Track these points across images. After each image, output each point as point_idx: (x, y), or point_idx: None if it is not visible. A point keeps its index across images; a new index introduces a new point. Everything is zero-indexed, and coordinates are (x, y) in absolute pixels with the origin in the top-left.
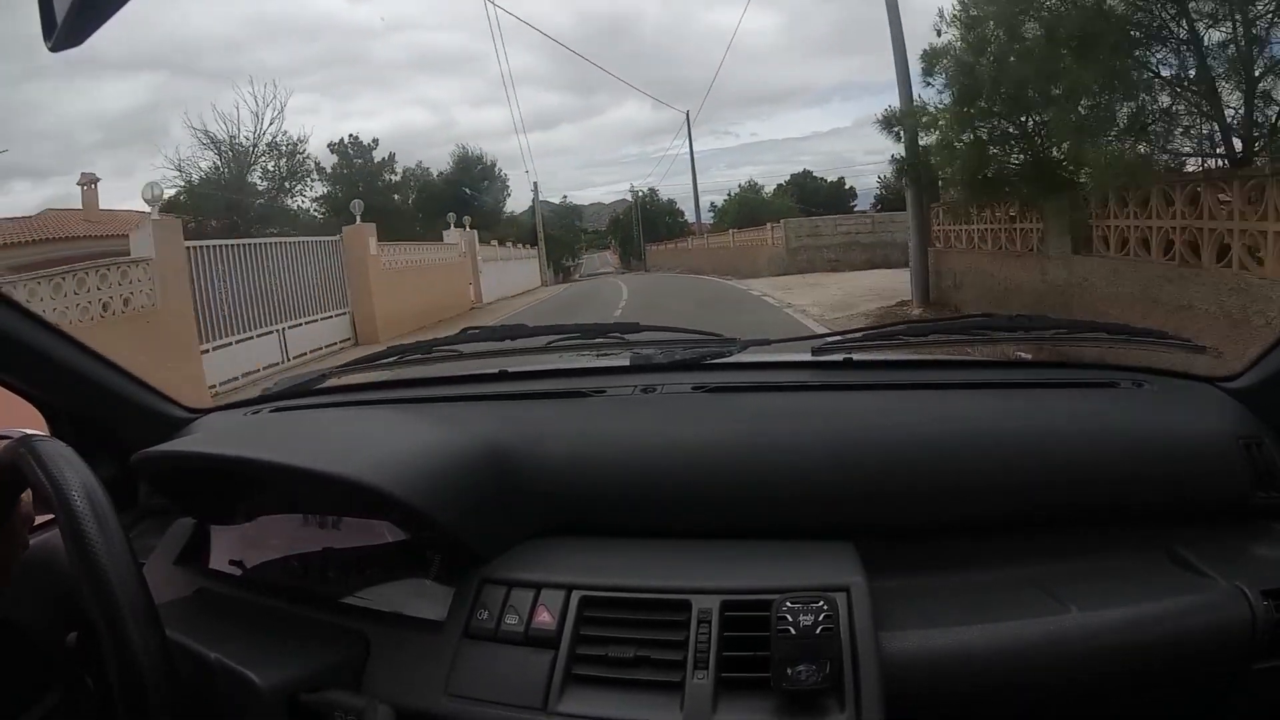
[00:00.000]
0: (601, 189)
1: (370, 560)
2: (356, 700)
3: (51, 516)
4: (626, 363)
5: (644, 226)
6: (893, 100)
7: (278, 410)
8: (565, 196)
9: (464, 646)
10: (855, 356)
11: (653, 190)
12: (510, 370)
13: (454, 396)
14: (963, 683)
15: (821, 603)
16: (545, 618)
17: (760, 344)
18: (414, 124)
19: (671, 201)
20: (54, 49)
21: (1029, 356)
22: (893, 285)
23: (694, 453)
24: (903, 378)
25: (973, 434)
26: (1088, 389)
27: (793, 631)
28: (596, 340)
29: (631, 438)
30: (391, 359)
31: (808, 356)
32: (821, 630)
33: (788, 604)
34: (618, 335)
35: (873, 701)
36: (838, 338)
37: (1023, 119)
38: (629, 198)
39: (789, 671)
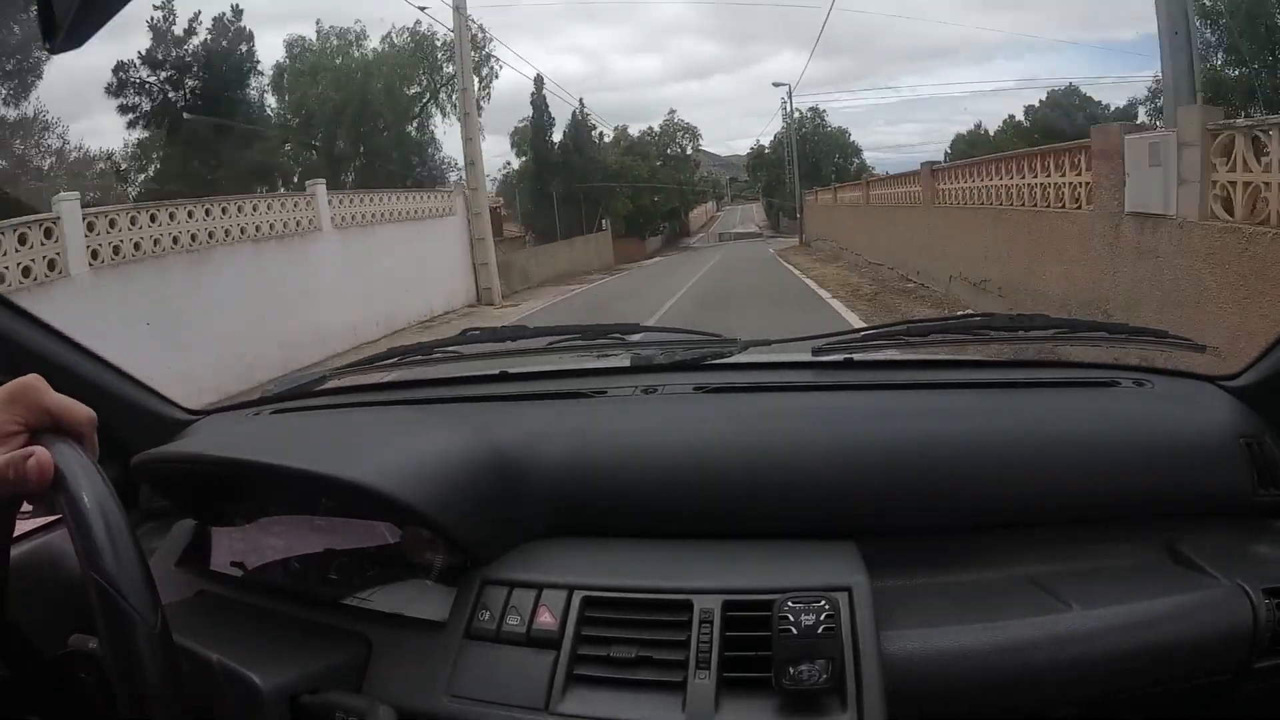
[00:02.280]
0: (756, 139)
1: (371, 561)
2: (358, 701)
3: (55, 517)
4: (627, 363)
5: (798, 166)
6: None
7: (278, 412)
8: (673, 112)
9: (466, 647)
10: (856, 356)
11: (816, 112)
12: (511, 371)
13: (455, 398)
14: (965, 682)
15: (823, 602)
16: (547, 618)
17: (761, 344)
18: (566, 71)
19: (844, 131)
20: (54, 51)
21: (1030, 356)
22: None
23: (695, 453)
24: (903, 378)
25: (974, 434)
26: (1089, 388)
27: (794, 631)
28: (597, 341)
29: (632, 438)
30: (392, 360)
31: (808, 357)
32: (823, 630)
33: (789, 604)
34: (618, 336)
35: (874, 701)
36: (838, 338)
37: None
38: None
39: (791, 671)
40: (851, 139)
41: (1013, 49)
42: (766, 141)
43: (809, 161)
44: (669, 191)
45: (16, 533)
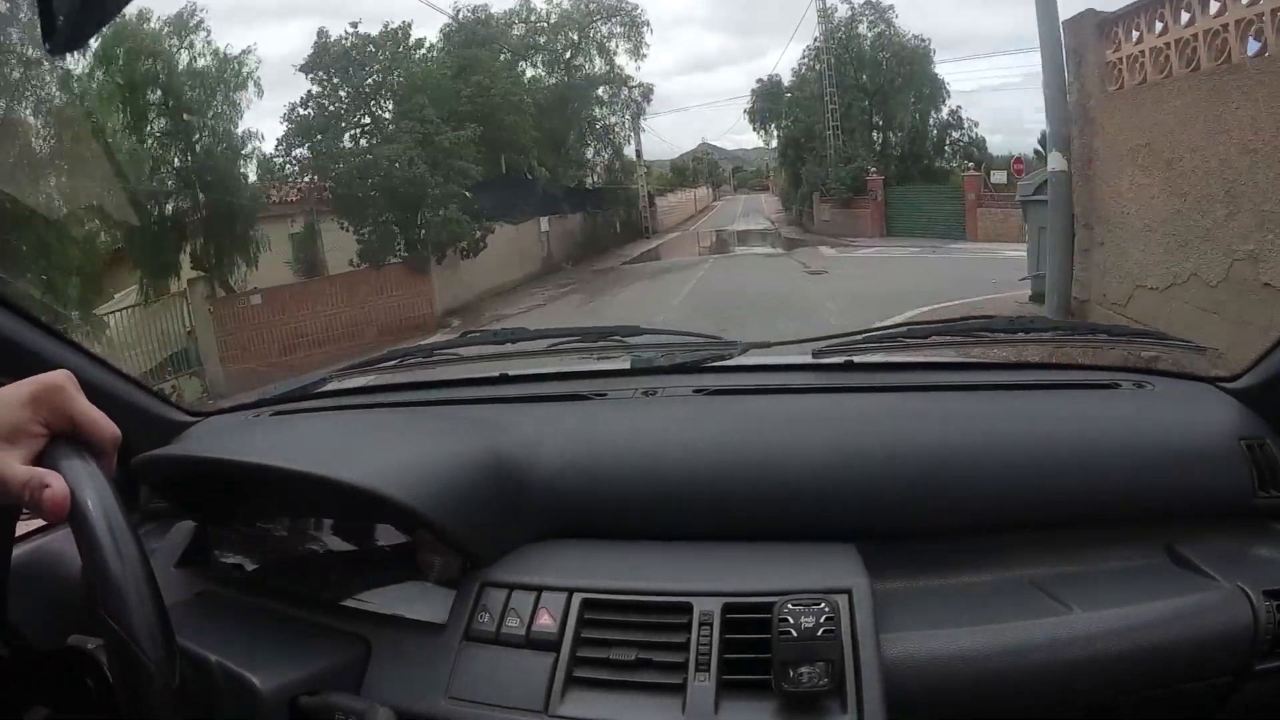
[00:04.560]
0: (760, 135)
1: (371, 563)
2: (357, 703)
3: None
4: (627, 365)
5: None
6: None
7: (278, 414)
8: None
9: (465, 649)
10: (856, 359)
11: (877, 8)
12: (511, 373)
13: (455, 400)
14: (964, 685)
15: (823, 605)
16: (546, 620)
17: (761, 346)
18: None
19: (925, 47)
20: (53, 51)
21: (1030, 358)
22: None
23: (695, 455)
24: (903, 380)
25: (974, 436)
26: (1089, 390)
27: (794, 634)
28: (597, 343)
29: (632, 440)
30: (392, 362)
31: (808, 359)
32: (823, 632)
33: (789, 606)
34: (618, 338)
35: (874, 703)
36: (839, 340)
37: None
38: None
39: (790, 673)
40: (934, 66)
41: (1019, 42)
42: (788, 67)
43: (864, 95)
44: (542, 134)
45: (17, 533)
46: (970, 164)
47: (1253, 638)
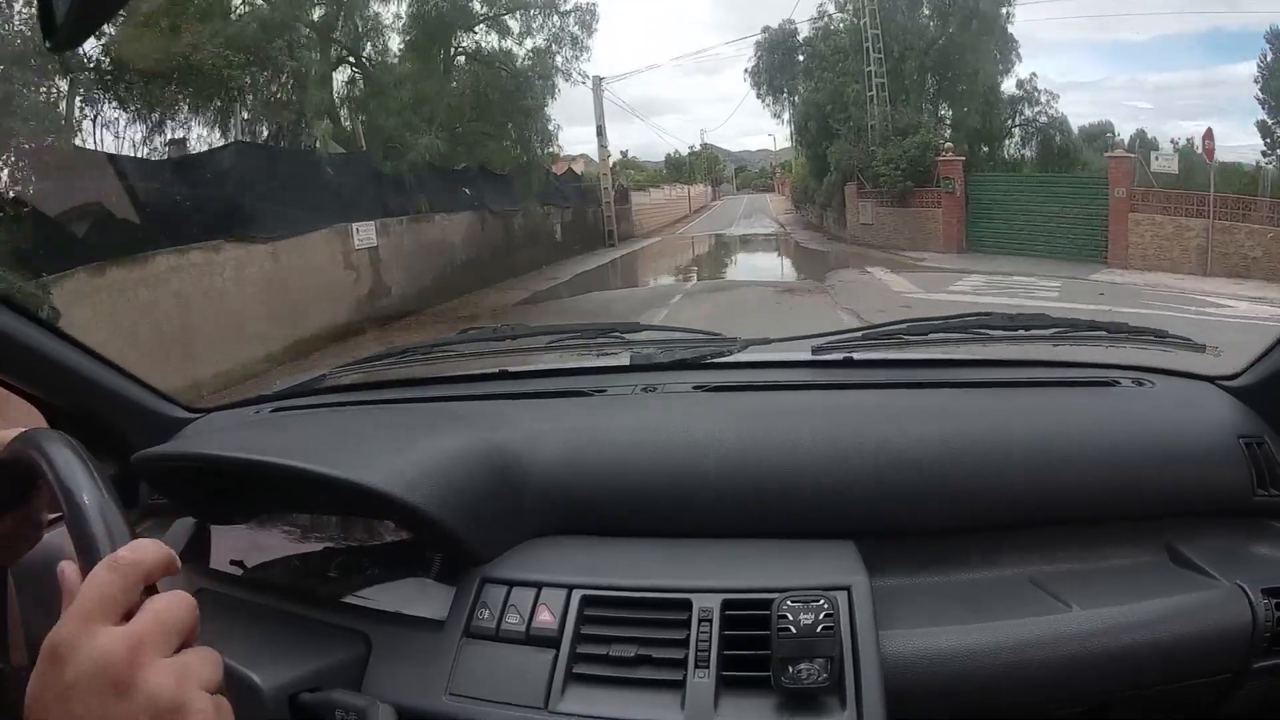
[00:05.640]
0: (765, 137)
1: (371, 560)
2: (358, 700)
3: (56, 516)
4: (627, 362)
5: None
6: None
7: (278, 411)
8: None
9: (465, 646)
10: (855, 355)
11: None
12: (510, 370)
13: (454, 396)
14: (964, 682)
15: (822, 602)
16: (546, 617)
17: (760, 343)
18: None
19: None
20: (53, 49)
21: (1029, 356)
22: None
23: (694, 452)
24: (903, 376)
25: (973, 433)
26: (1088, 388)
27: (793, 630)
28: (597, 339)
29: (632, 437)
30: (392, 359)
31: (808, 355)
32: (822, 629)
33: (788, 603)
34: (618, 335)
35: (874, 700)
36: (838, 337)
37: None
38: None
39: (790, 670)
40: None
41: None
42: (806, 16)
43: (921, 44)
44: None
45: None
46: (1126, 147)
47: (1251, 636)
